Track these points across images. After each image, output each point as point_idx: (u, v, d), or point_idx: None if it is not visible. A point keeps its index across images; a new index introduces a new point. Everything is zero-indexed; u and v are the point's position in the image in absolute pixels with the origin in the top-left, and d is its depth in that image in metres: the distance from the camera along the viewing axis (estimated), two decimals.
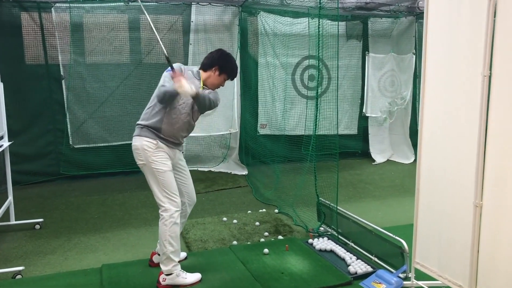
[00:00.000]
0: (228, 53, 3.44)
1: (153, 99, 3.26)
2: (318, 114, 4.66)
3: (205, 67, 3.34)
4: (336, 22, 5.26)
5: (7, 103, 5.81)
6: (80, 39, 6.01)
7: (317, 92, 4.89)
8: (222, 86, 3.40)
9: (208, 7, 6.30)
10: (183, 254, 3.71)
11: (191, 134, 6.38)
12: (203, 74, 3.33)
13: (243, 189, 5.92)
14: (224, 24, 6.49)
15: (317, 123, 4.71)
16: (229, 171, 6.51)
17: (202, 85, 3.28)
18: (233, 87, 6.26)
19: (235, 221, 4.65)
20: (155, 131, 3.20)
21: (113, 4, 6.05)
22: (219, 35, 6.46)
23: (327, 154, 4.92)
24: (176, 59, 6.33)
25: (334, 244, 3.82)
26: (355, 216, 3.83)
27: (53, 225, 4.69)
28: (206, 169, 6.60)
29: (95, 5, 5.91)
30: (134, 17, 6.25)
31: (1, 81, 5.75)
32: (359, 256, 3.57)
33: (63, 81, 5.94)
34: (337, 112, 4.50)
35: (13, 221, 4.59)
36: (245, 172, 6.46)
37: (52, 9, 5.74)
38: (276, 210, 5.00)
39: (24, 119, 5.91)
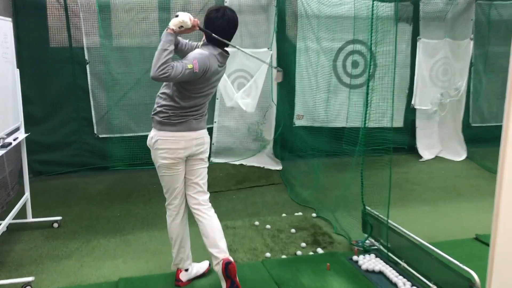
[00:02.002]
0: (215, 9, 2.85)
1: None
2: (368, 103, 4.10)
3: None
4: (385, 4, 4.65)
5: (29, 88, 5.53)
6: (106, 20, 5.60)
7: (368, 80, 4.32)
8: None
9: None
10: (204, 265, 3.28)
11: (224, 124, 6.06)
12: None
13: (277, 187, 5.43)
14: (260, 5, 5.93)
15: (367, 114, 4.14)
16: (262, 166, 6.02)
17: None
18: (267, 75, 5.73)
19: (268, 226, 4.18)
20: None
21: None
22: (255, 16, 5.91)
23: (373, 149, 4.44)
24: None
25: (383, 263, 3.29)
26: (410, 234, 3.28)
27: (72, 223, 4.35)
28: (237, 163, 6.14)
29: None
30: None
31: (22, 66, 5.45)
32: (414, 282, 3.03)
33: (87, 66, 5.55)
34: (393, 101, 3.94)
35: (30, 219, 4.27)
36: (279, 167, 5.96)
37: None
38: (314, 214, 4.50)
39: (47, 106, 5.58)
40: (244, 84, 5.71)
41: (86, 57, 5.54)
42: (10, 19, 3.84)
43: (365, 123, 3.93)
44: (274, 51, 5.84)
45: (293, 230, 4.08)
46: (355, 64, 6.40)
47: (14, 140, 3.78)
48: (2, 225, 3.60)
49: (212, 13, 2.79)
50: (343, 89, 6.35)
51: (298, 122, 6.34)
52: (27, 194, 4.24)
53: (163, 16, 5.81)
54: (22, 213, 4.22)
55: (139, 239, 4.01)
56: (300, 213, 4.55)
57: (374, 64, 6.48)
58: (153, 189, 5.24)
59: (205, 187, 3.08)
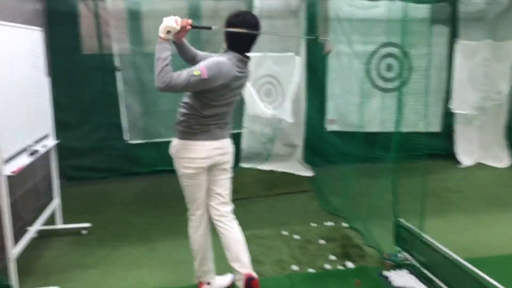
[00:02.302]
0: (235, 14, 2.73)
1: None
2: (401, 107, 3.94)
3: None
4: (421, 5, 4.48)
5: (62, 95, 5.61)
6: (136, 27, 5.63)
7: (400, 83, 4.15)
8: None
9: None
10: (228, 279, 3.19)
11: (253, 129, 5.96)
12: None
13: (307, 195, 5.29)
14: (290, 10, 5.82)
15: (401, 118, 3.97)
16: (292, 172, 5.91)
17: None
18: (295, 77, 5.61)
19: (296, 236, 4.06)
20: None
21: None
22: (284, 21, 5.81)
23: (407, 155, 4.25)
24: None
25: (417, 280, 3.12)
26: (446, 250, 3.08)
27: (101, 230, 4.36)
28: (267, 169, 6.04)
29: None
30: (195, 3, 5.76)
31: (54, 73, 5.54)
32: None
33: (118, 72, 5.59)
34: (425, 105, 3.75)
35: (59, 225, 4.31)
36: (310, 174, 5.82)
37: None
38: (345, 224, 4.34)
39: (78, 112, 5.65)
40: (271, 90, 5.63)
41: (117, 64, 5.58)
42: (40, 28, 3.88)
43: (398, 128, 3.72)
44: (303, 56, 5.71)
45: (322, 241, 3.94)
46: (389, 68, 6.19)
47: (43, 147, 3.82)
48: (31, 232, 3.64)
49: (232, 18, 2.70)
50: (377, 93, 6.15)
51: (330, 127, 6.19)
52: (57, 200, 4.28)
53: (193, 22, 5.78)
54: (52, 219, 4.27)
55: (166, 247, 3.97)
56: (330, 223, 4.40)
57: (410, 67, 6.29)
58: (182, 196, 5.21)
59: (228, 198, 3.00)
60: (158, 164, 5.74)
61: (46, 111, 4.01)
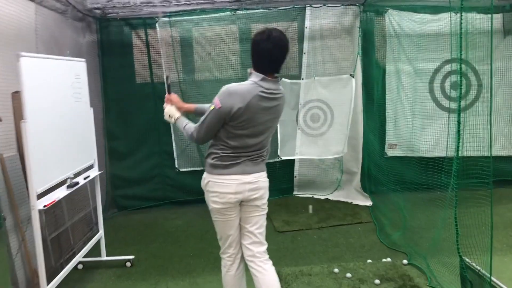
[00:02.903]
0: (261, 31, 2.52)
1: None
2: (460, 129, 3.51)
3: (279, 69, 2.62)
4: (488, 16, 4.02)
5: (115, 124, 5.67)
6: (187, 54, 5.61)
7: (459, 103, 3.72)
8: None
9: (324, 10, 5.40)
10: None
11: (306, 157, 5.64)
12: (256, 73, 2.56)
13: (365, 226, 4.87)
14: (343, 28, 5.52)
15: (460, 140, 3.55)
16: (349, 201, 5.51)
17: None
18: (349, 102, 5.23)
19: (348, 274, 3.67)
20: None
21: (221, 14, 5.52)
22: (337, 40, 5.51)
23: (475, 182, 3.73)
24: (289, 71, 5.58)
25: None
26: None
27: (145, 262, 4.24)
28: (322, 197, 5.68)
29: (199, 17, 5.44)
30: (245, 27, 5.65)
31: (107, 103, 5.63)
32: None
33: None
34: (490, 125, 3.31)
35: (104, 257, 4.24)
36: (368, 203, 5.39)
37: (157, 24, 5.40)
38: (405, 261, 3.88)
39: (131, 141, 5.66)
40: (319, 115, 5.33)
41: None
42: (83, 59, 3.90)
43: (458, 151, 3.30)
44: (358, 77, 5.36)
45: (377, 281, 3.52)
46: (455, 86, 5.67)
47: (85, 178, 3.78)
48: (70, 264, 3.58)
49: (257, 36, 2.50)
50: (442, 113, 5.63)
51: (390, 152, 5.73)
52: (101, 232, 4.22)
53: (243, 47, 5.67)
54: (97, 251, 4.22)
55: (208, 283, 3.75)
56: (388, 259, 3.96)
57: (479, 85, 5.72)
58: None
59: (262, 237, 2.74)
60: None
61: (90, 142, 3.99)
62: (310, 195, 5.72)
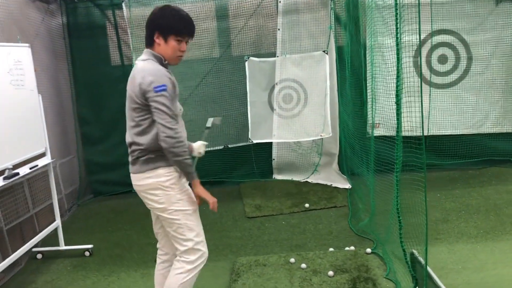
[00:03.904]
0: (165, 5, 2.38)
1: (138, 113, 2.30)
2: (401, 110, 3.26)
3: (147, 42, 2.38)
4: None
5: (86, 109, 5.54)
6: None
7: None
8: (182, 53, 2.39)
9: None
10: None
11: (282, 140, 5.38)
12: (154, 51, 2.35)
13: (338, 211, 4.63)
14: (319, 1, 5.18)
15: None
16: (329, 183, 5.26)
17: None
18: (324, 81, 4.92)
19: (303, 265, 3.47)
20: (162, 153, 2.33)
21: None
22: (313, 15, 5.19)
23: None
24: (262, 49, 5.31)
25: None
26: None
27: (105, 251, 4.15)
28: (302, 180, 5.45)
29: None
30: (222, 3, 5.38)
31: (77, 87, 5.49)
32: None
33: None
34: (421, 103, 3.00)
35: (62, 246, 4.16)
36: (347, 186, 5.13)
37: (123, 4, 5.18)
38: (369, 250, 3.65)
39: (103, 126, 5.54)
40: (292, 96, 5.03)
41: None
42: (27, 44, 3.74)
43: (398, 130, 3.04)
44: (332, 53, 5.04)
45: (331, 273, 3.31)
46: (442, 60, 5.29)
47: (31, 168, 3.67)
48: (16, 253, 3.50)
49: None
50: (427, 90, 5.28)
51: (375, 132, 5.42)
52: (57, 221, 4.13)
53: (221, 25, 5.42)
54: (56, 241, 4.16)
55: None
56: (352, 248, 3.74)
57: (469, 57, 5.34)
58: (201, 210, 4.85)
59: (177, 242, 2.46)
60: None
61: (39, 130, 3.86)
62: (290, 178, 5.50)
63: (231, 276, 3.44)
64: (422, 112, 2.65)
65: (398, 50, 2.82)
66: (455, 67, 5.30)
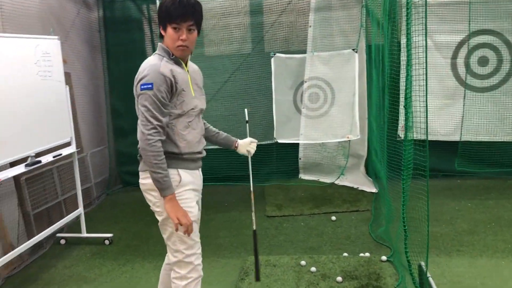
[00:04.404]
0: None
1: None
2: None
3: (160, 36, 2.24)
4: None
5: (119, 101, 5.69)
6: None
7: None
8: (184, 41, 2.12)
9: None
10: None
11: (309, 141, 5.28)
12: (164, 44, 2.20)
13: (360, 215, 4.50)
14: None
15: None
16: (355, 186, 5.12)
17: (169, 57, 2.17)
18: (353, 80, 4.77)
19: (313, 268, 3.39)
20: (171, 153, 2.19)
21: None
22: (346, 12, 5.05)
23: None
24: (293, 46, 5.23)
25: None
26: None
27: (124, 241, 4.25)
28: (328, 181, 5.33)
29: None
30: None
31: (111, 80, 5.64)
32: None
33: None
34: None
35: (84, 234, 4.30)
36: (374, 190, 4.97)
37: None
38: (384, 257, 3.52)
39: (135, 118, 5.63)
40: (318, 95, 4.91)
41: None
42: (56, 37, 3.87)
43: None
44: (363, 52, 4.88)
45: (339, 278, 3.22)
46: (482, 62, 5.01)
47: (54, 157, 3.80)
48: (35, 237, 3.65)
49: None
50: (467, 93, 5.02)
51: (403, 135, 5.22)
52: (80, 209, 4.27)
53: (254, 21, 5.39)
54: (78, 228, 4.31)
55: None
56: (367, 254, 3.62)
57: None
58: (217, 209, 4.88)
59: (169, 250, 2.33)
60: (205, 173, 5.49)
61: (65, 120, 3.99)
62: (316, 179, 5.40)
63: (239, 274, 3.42)
64: (426, 113, 2.51)
65: (408, 50, 2.68)
66: (496, 70, 4.99)
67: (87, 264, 3.83)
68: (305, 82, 5.07)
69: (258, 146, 5.31)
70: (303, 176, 5.50)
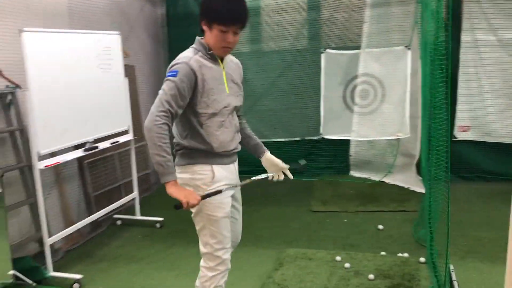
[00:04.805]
0: None
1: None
2: None
3: (199, 32, 2.23)
4: None
5: None
6: (253, 24, 5.56)
7: None
8: (230, 43, 2.13)
9: None
10: None
11: (363, 134, 5.24)
12: (203, 39, 2.21)
13: (406, 216, 4.41)
14: None
15: None
16: (406, 186, 5.01)
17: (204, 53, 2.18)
18: (405, 78, 4.65)
19: (347, 265, 3.42)
20: (204, 150, 2.22)
21: None
22: (403, 8, 4.92)
23: None
24: (347, 42, 5.20)
25: None
26: None
27: (173, 225, 4.49)
28: (378, 180, 5.26)
29: None
30: None
31: None
32: None
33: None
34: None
35: (138, 216, 4.62)
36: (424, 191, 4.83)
37: None
38: (422, 259, 3.45)
39: None
40: (368, 92, 4.84)
41: None
42: (117, 32, 4.17)
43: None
44: (416, 49, 4.73)
45: (371, 276, 3.22)
46: None
47: (112, 143, 4.12)
48: (89, 217, 3.99)
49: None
50: None
51: (460, 136, 5.02)
52: (135, 193, 4.59)
53: (309, 16, 5.43)
54: (147, 210, 4.66)
55: None
56: (405, 254, 3.57)
57: None
58: (270, 199, 5.01)
59: (200, 241, 2.37)
60: (259, 165, 5.62)
61: (124, 109, 4.29)
62: (366, 176, 5.35)
63: (274, 264, 3.52)
64: (445, 114, 2.44)
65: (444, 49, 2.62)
66: None
67: (138, 245, 4.12)
68: (357, 77, 5.03)
69: (310, 140, 5.37)
70: (354, 173, 5.47)
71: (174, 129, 2.28)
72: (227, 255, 2.35)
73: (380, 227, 4.17)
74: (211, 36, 2.14)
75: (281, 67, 5.40)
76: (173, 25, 5.81)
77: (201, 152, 2.20)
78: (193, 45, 2.24)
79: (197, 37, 2.24)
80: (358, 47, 4.99)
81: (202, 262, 2.37)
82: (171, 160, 2.09)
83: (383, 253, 3.63)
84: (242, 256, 3.60)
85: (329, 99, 4.95)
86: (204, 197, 2.15)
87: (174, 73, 2.08)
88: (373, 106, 4.88)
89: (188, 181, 2.25)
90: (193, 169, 2.23)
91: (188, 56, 2.16)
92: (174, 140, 2.28)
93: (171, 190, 2.09)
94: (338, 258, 3.53)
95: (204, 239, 2.32)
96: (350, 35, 5.17)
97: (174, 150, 2.28)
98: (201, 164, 2.22)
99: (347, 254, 3.60)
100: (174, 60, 2.17)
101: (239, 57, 5.33)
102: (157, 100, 2.09)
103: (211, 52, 2.18)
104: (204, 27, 2.16)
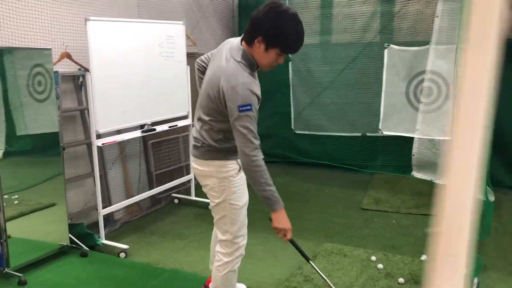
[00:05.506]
0: (283, 9, 2.11)
1: (210, 111, 2.30)
2: None
3: (246, 37, 2.20)
4: None
5: None
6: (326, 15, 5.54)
7: None
8: (275, 64, 2.23)
9: None
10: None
11: (427, 134, 5.02)
12: (248, 49, 2.21)
13: None
14: None
15: None
16: None
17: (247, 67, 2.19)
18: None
19: (380, 265, 3.36)
20: (231, 148, 2.35)
21: None
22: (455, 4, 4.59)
23: None
24: (417, 37, 4.97)
25: None
26: None
27: None
28: (440, 182, 5.00)
29: None
30: None
31: None
32: None
33: (290, 62, 5.69)
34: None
35: (193, 197, 4.88)
36: (491, 198, 4.51)
37: None
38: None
39: None
40: (432, 89, 4.57)
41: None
42: (181, 22, 4.40)
43: None
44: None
45: (401, 280, 3.14)
46: None
47: (170, 127, 4.39)
48: (146, 193, 4.31)
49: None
50: None
51: None
52: (191, 175, 4.84)
53: (380, 9, 5.28)
54: (201, 192, 4.86)
55: (256, 237, 3.94)
56: None
57: None
58: (322, 192, 5.01)
59: (217, 227, 2.52)
60: (320, 157, 5.64)
61: (184, 96, 4.54)
62: (429, 179, 5.12)
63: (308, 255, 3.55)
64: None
65: None
66: None
67: (188, 223, 4.37)
68: (422, 75, 4.81)
69: (371, 136, 5.24)
70: (416, 174, 5.25)
71: (204, 133, 2.36)
72: (244, 242, 2.51)
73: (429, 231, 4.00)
74: (264, 55, 2.17)
75: (347, 60, 5.32)
76: (245, 14, 5.96)
77: (230, 151, 2.34)
78: (241, 59, 2.20)
79: (243, 48, 2.22)
80: (426, 43, 4.75)
81: (218, 248, 2.52)
82: (275, 190, 2.23)
83: (423, 257, 3.50)
84: (279, 245, 3.70)
85: (391, 94, 4.79)
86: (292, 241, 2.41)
87: (250, 107, 2.12)
88: (436, 104, 4.63)
89: (212, 173, 2.37)
90: (218, 163, 2.36)
91: (246, 82, 2.14)
92: (199, 137, 2.38)
93: (279, 216, 2.25)
94: (373, 258, 3.48)
95: (224, 227, 2.46)
96: (421, 30, 4.93)
97: (195, 142, 2.42)
98: (230, 160, 2.36)
99: (384, 255, 3.53)
100: (233, 86, 2.13)
101: (307, 48, 5.36)
102: (244, 140, 2.13)
103: (257, 68, 2.26)
104: (259, 44, 2.15)
